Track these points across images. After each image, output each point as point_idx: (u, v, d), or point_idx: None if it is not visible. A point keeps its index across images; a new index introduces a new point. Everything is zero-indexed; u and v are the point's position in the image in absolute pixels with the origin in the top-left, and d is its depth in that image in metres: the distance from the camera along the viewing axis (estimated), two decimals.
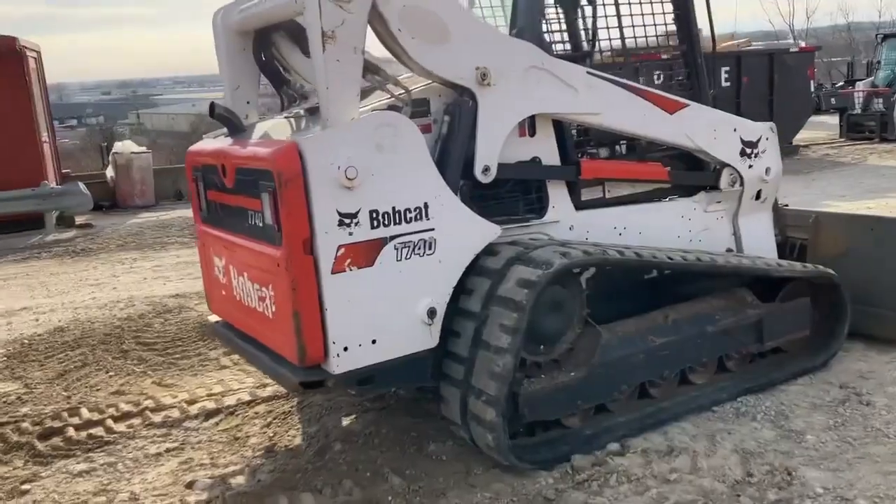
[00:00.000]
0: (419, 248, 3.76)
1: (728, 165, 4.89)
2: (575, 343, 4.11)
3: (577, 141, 4.65)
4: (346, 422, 4.60)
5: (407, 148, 3.68)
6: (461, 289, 3.95)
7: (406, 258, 3.73)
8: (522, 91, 4.04)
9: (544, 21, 4.55)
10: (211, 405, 5.00)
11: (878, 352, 5.05)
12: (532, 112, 4.14)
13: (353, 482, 3.87)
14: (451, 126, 3.94)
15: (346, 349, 3.62)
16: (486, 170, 3.99)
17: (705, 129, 4.74)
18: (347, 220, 3.56)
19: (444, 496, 3.70)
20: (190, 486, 3.99)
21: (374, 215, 3.63)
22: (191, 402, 5.08)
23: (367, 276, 3.63)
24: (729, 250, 5.08)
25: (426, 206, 3.76)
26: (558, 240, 4.19)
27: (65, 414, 5.01)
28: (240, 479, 4.01)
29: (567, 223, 4.45)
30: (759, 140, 4.99)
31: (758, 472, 3.63)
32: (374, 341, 3.69)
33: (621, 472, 3.72)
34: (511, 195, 4.31)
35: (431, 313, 3.79)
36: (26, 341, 6.81)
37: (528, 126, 4.27)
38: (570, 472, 3.76)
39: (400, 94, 3.87)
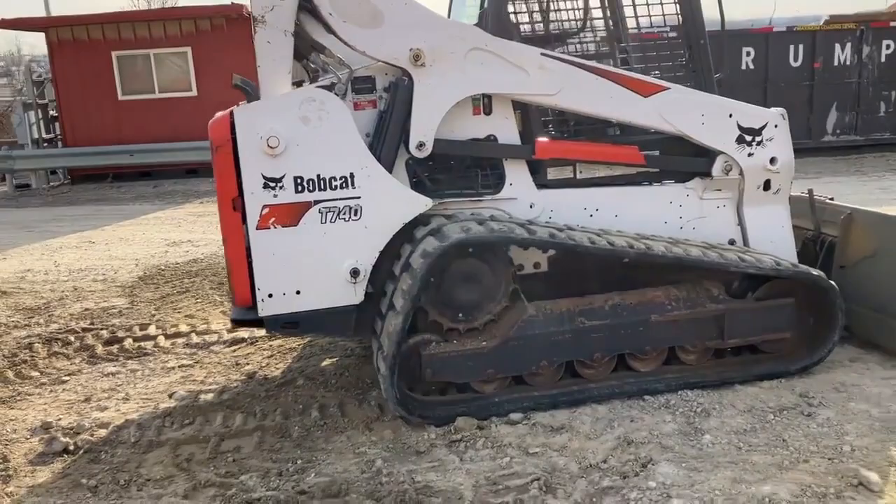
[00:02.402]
0: (344, 214, 4.18)
1: (722, 152, 4.68)
2: (499, 315, 4.30)
3: (554, 121, 4.71)
4: (326, 363, 5.17)
5: (332, 122, 4.09)
6: (397, 255, 4.32)
7: (331, 221, 4.17)
8: (462, 72, 4.25)
9: (512, 3, 4.63)
10: (243, 335, 5.80)
11: (887, 367, 4.60)
12: (474, 92, 4.33)
13: (283, 411, 4.44)
14: (388, 103, 4.28)
15: (270, 296, 4.17)
16: (420, 145, 4.27)
17: (689, 113, 4.58)
18: (272, 184, 4.07)
19: (342, 433, 4.15)
20: (171, 395, 4.79)
21: (299, 181, 4.11)
22: (231, 331, 5.91)
23: (291, 234, 4.13)
24: (731, 242, 4.87)
25: (352, 175, 4.16)
26: (488, 216, 4.34)
27: (136, 328, 6.10)
28: (209, 396, 4.74)
29: (527, 201, 4.59)
30: (763, 127, 4.71)
31: (616, 461, 3.66)
32: (298, 292, 4.19)
33: (493, 438, 3.92)
34: (464, 170, 4.55)
35: (354, 273, 4.21)
36: (163, 267, 8.15)
37: (484, 105, 4.46)
38: (452, 432, 4.02)
39: (342, 73, 4.27)
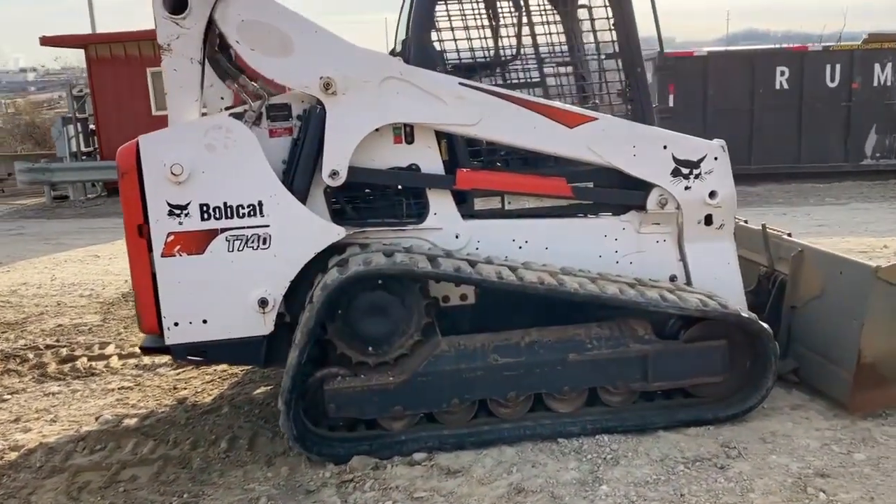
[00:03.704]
0: (252, 242, 4.13)
1: (657, 185, 4.48)
2: (412, 349, 4.18)
3: (484, 151, 4.56)
4: (259, 391, 5.11)
5: (239, 149, 4.06)
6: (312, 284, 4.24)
7: (238, 250, 4.13)
8: (376, 101, 4.16)
9: (437, 31, 4.52)
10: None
11: (828, 417, 4.31)
12: (388, 121, 4.23)
13: (194, 440, 4.40)
14: (301, 131, 4.22)
15: (176, 324, 4.14)
16: (333, 174, 4.19)
17: (618, 144, 4.39)
18: (177, 211, 4.06)
19: (241, 467, 4.08)
20: (97, 419, 4.80)
21: (205, 208, 4.08)
22: None
23: (197, 263, 4.11)
24: (673, 278, 4.65)
25: (260, 204, 4.11)
26: (403, 247, 4.22)
27: (96, 347, 6.16)
28: (132, 421, 4.73)
29: (452, 231, 4.47)
30: (701, 160, 4.47)
31: None
32: (204, 321, 4.16)
33: (383, 480, 3.80)
34: (385, 199, 4.46)
35: (263, 303, 4.15)
36: None
37: (406, 134, 4.37)
38: (346, 471, 3.91)
39: (257, 100, 4.23)
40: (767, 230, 4.99)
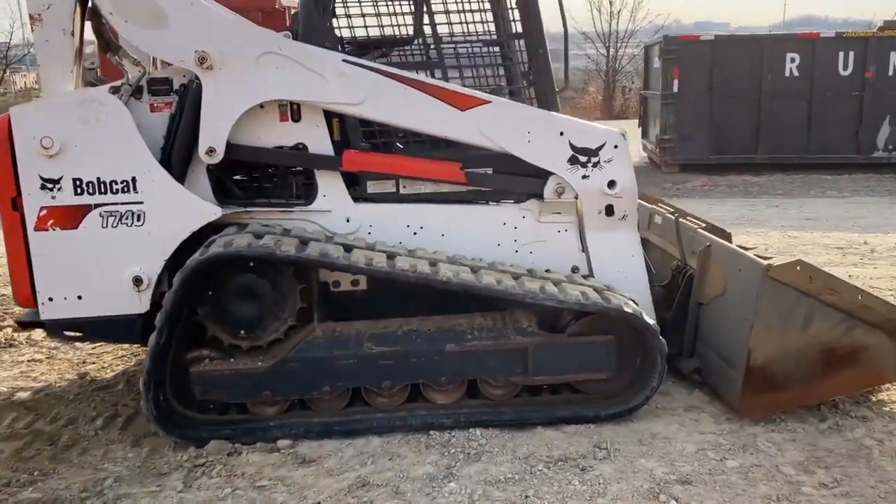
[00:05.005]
0: (127, 219, 4.06)
1: (553, 173, 4.30)
2: (287, 335, 4.08)
3: (379, 132, 4.41)
4: None
5: (112, 124, 3.98)
6: None
7: (112, 226, 4.06)
8: (254, 76, 4.04)
9: (326, 7, 4.36)
10: None
11: (720, 421, 4.12)
12: (267, 98, 4.11)
13: (74, 416, 4.37)
14: (178, 106, 4.12)
15: (51, 299, 4.10)
16: (210, 151, 4.09)
17: (511, 129, 4.22)
18: (50, 185, 4.00)
19: (105, 446, 4.02)
20: None
21: (78, 183, 4.01)
22: None
23: (70, 238, 4.05)
24: (575, 269, 4.48)
25: (134, 180, 4.03)
26: (280, 229, 4.11)
27: None
28: (25, 394, 4.72)
29: (342, 214, 4.35)
30: (600, 148, 4.28)
31: (330, 500, 3.39)
32: (79, 297, 4.11)
33: (232, 466, 3.72)
34: (272, 179, 4.35)
35: (137, 281, 4.08)
36: None
37: (292, 111, 4.25)
38: (203, 455, 3.83)
39: (138, 73, 4.14)
40: (681, 222, 4.78)
